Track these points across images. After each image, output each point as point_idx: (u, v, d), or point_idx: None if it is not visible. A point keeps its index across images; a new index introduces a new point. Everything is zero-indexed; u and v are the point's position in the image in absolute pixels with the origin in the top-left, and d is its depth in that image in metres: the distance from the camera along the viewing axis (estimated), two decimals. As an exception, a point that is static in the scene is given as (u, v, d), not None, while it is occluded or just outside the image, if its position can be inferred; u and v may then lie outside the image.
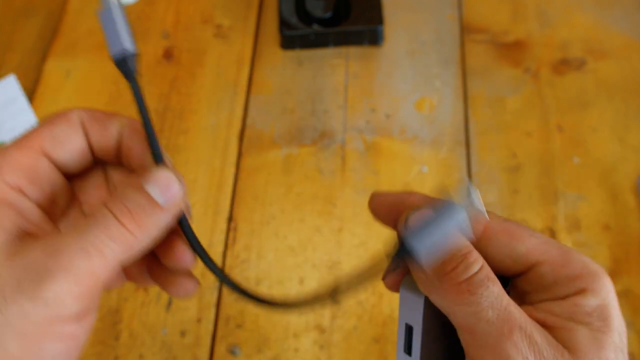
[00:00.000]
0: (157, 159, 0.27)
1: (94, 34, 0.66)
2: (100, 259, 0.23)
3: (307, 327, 0.50)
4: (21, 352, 0.22)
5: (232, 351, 0.49)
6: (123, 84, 0.62)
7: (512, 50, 0.63)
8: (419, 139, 0.59)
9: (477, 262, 0.24)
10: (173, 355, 0.49)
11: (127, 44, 0.27)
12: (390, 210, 0.28)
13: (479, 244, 0.25)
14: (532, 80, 0.61)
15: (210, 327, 0.50)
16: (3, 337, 0.22)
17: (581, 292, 0.24)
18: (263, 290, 0.51)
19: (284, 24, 0.63)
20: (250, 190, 0.56)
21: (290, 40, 0.63)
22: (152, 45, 0.65)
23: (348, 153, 0.58)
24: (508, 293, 0.26)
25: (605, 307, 0.23)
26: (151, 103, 0.61)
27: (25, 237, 0.24)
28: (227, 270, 0.53)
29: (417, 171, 0.57)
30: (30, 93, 0.62)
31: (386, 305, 0.50)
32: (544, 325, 0.23)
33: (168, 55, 0.64)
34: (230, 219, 0.55)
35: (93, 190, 0.30)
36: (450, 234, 0.24)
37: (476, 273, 0.23)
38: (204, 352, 0.49)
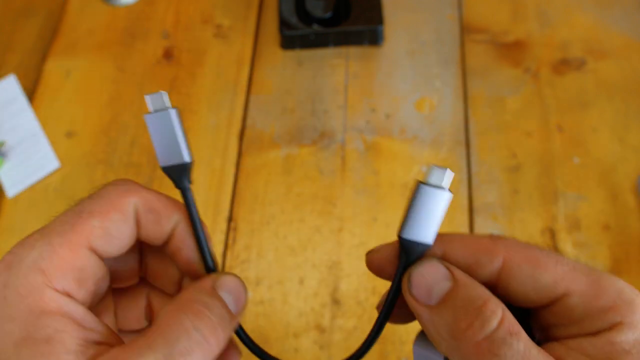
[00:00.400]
0: (208, 269, 0.26)
1: (94, 34, 0.66)
2: None
3: (307, 327, 0.50)
4: None
5: (232, 351, 0.49)
6: (123, 84, 0.62)
7: (512, 50, 0.63)
8: (419, 139, 0.59)
9: (496, 315, 0.21)
10: (173, 355, 0.49)
11: (186, 155, 0.25)
12: (393, 265, 0.25)
13: (500, 277, 0.23)
14: (532, 80, 0.61)
15: (210, 327, 0.50)
16: None
17: (616, 326, 0.21)
18: (263, 289, 0.51)
19: (284, 24, 0.63)
20: (250, 190, 0.56)
21: (290, 40, 0.63)
22: (152, 45, 0.65)
23: (348, 153, 0.58)
24: (529, 326, 0.24)
25: None
26: (151, 103, 0.61)
27: (89, 349, 0.22)
28: (227, 270, 0.53)
29: (417, 171, 0.57)
30: (30, 93, 0.62)
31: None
32: None
33: (168, 55, 0.64)
34: (230, 219, 0.55)
35: (126, 274, 0.29)
36: (438, 208, 0.23)
37: (496, 329, 0.21)
38: (204, 352, 0.49)
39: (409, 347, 0.49)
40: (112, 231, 0.24)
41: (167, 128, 0.25)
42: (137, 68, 0.63)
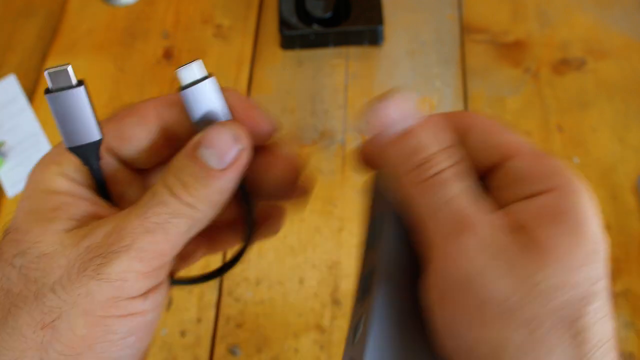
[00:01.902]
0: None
1: (94, 34, 0.66)
2: (163, 236, 0.22)
3: (307, 327, 0.50)
4: (88, 330, 0.22)
5: (232, 351, 0.49)
6: (123, 84, 0.62)
7: (512, 50, 0.63)
8: (419, 139, 0.59)
9: (444, 160, 0.22)
10: (173, 356, 0.49)
11: (97, 132, 0.24)
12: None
13: (463, 135, 0.25)
14: (532, 80, 0.61)
15: (210, 327, 0.50)
16: (70, 317, 0.21)
17: (554, 189, 0.22)
18: (263, 290, 0.51)
19: (284, 24, 0.63)
20: (250, 190, 0.56)
21: (290, 40, 0.63)
22: (152, 45, 0.65)
23: (348, 153, 0.58)
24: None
25: (580, 212, 0.21)
26: (151, 103, 0.61)
27: (91, 220, 0.24)
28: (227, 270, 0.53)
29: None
30: (30, 93, 0.62)
31: (386, 305, 0.50)
32: (515, 226, 0.21)
33: (168, 55, 0.64)
34: (230, 219, 0.55)
35: (149, 158, 0.28)
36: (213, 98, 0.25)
37: (444, 170, 0.22)
38: (204, 352, 0.49)
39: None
40: (126, 133, 0.25)
41: (75, 106, 0.26)
42: (137, 68, 0.63)
